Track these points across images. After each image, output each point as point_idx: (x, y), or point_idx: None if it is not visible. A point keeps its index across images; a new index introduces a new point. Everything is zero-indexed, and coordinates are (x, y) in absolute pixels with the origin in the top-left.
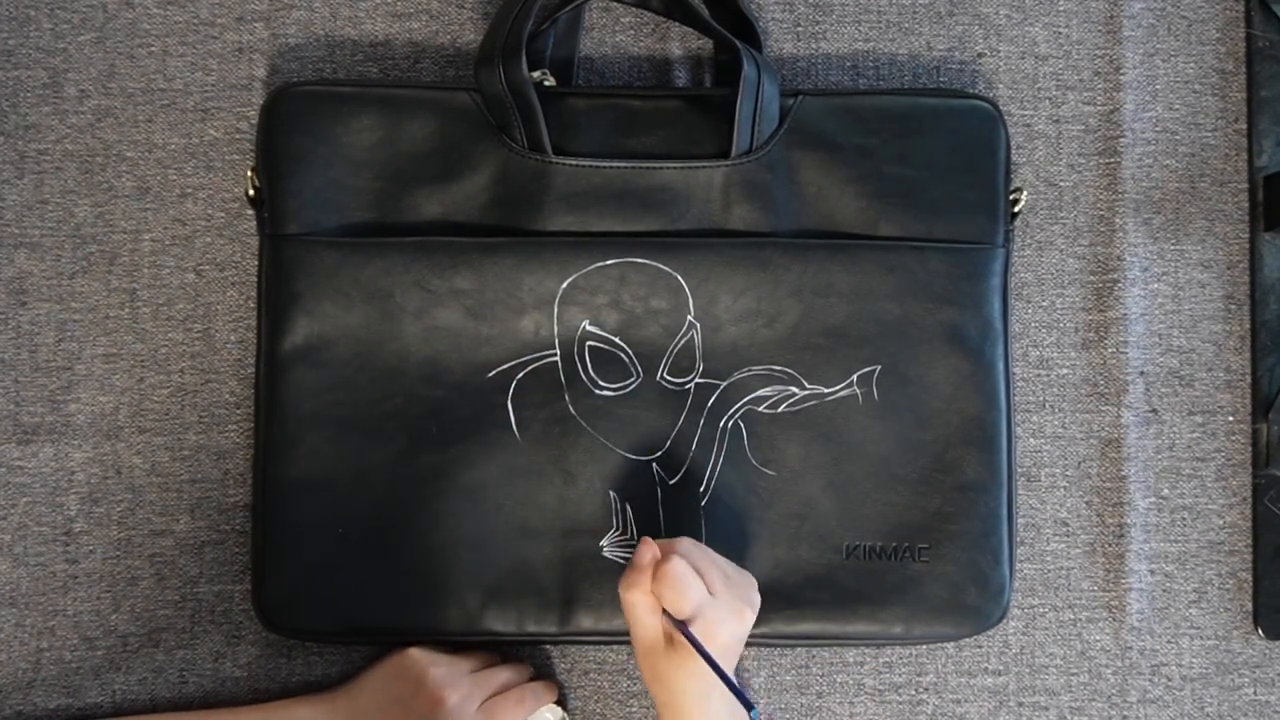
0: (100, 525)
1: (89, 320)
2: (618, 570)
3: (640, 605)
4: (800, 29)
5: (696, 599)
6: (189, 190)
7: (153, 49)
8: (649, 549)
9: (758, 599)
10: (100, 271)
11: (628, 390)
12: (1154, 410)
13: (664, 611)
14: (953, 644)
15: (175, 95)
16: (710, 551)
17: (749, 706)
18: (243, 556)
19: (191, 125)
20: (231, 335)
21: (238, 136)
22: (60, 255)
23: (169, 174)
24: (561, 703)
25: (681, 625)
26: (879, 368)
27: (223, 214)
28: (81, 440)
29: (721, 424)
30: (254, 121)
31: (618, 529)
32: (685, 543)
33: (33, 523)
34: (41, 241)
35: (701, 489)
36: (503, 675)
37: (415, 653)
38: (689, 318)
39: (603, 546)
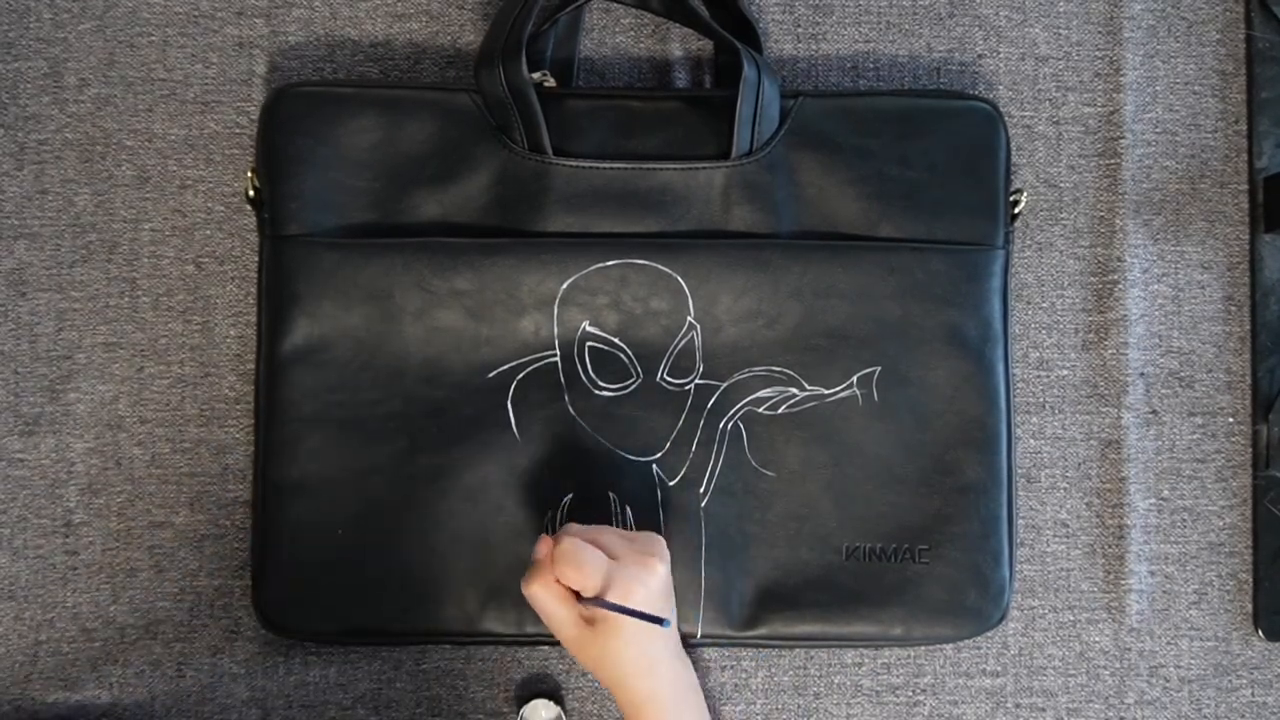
0: (100, 516)
1: (89, 309)
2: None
3: (545, 597)
4: (800, 30)
5: (598, 567)
6: (189, 182)
7: (153, 38)
8: (544, 543)
9: (664, 550)
10: (100, 260)
11: (627, 391)
12: (1154, 411)
13: (576, 596)
14: (951, 645)
15: (175, 86)
16: (603, 526)
17: (659, 620)
18: (242, 552)
19: (191, 117)
20: (231, 330)
21: (237, 131)
22: (60, 244)
23: (169, 164)
24: (559, 702)
25: (594, 600)
26: (879, 369)
27: (222, 208)
28: (83, 430)
29: (721, 425)
30: (254, 117)
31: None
32: (572, 526)
33: (32, 515)
34: (41, 231)
35: (701, 490)
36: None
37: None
38: (689, 318)
39: None
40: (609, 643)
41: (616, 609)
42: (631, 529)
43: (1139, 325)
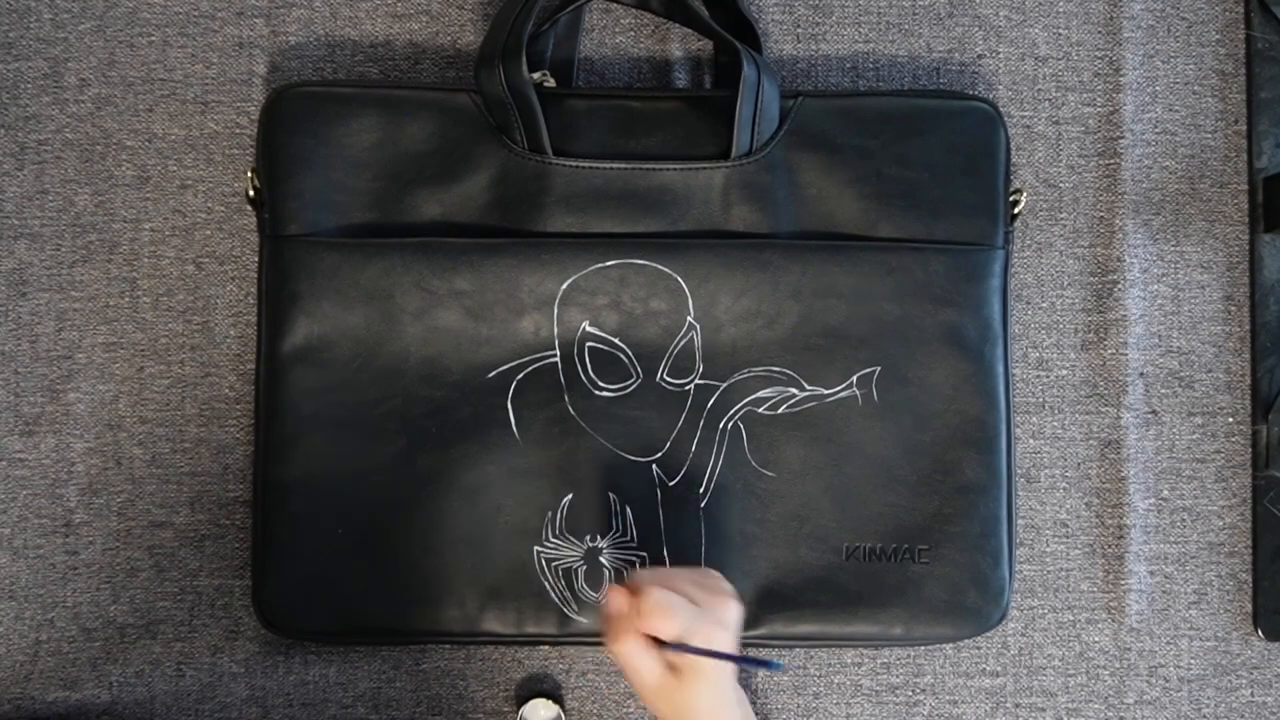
0: (100, 516)
1: (89, 309)
2: (618, 571)
3: (634, 651)
4: (800, 30)
5: (686, 615)
6: (189, 182)
7: (153, 38)
8: (617, 595)
9: (730, 587)
10: (100, 260)
11: (627, 391)
12: (1154, 411)
13: (658, 643)
14: (951, 645)
15: (175, 86)
16: (668, 568)
17: (775, 666)
18: (242, 552)
19: (191, 117)
20: (231, 330)
21: (237, 131)
22: (60, 244)
23: (169, 164)
24: (559, 701)
25: (684, 646)
26: (878, 369)
27: (222, 208)
28: (83, 430)
29: (721, 425)
30: (254, 117)
31: (617, 531)
32: (643, 571)
33: (32, 515)
34: (41, 231)
35: (701, 490)
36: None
37: None
38: (689, 319)
39: (602, 548)
40: (695, 687)
41: (728, 656)
42: (632, 530)
43: (1139, 325)
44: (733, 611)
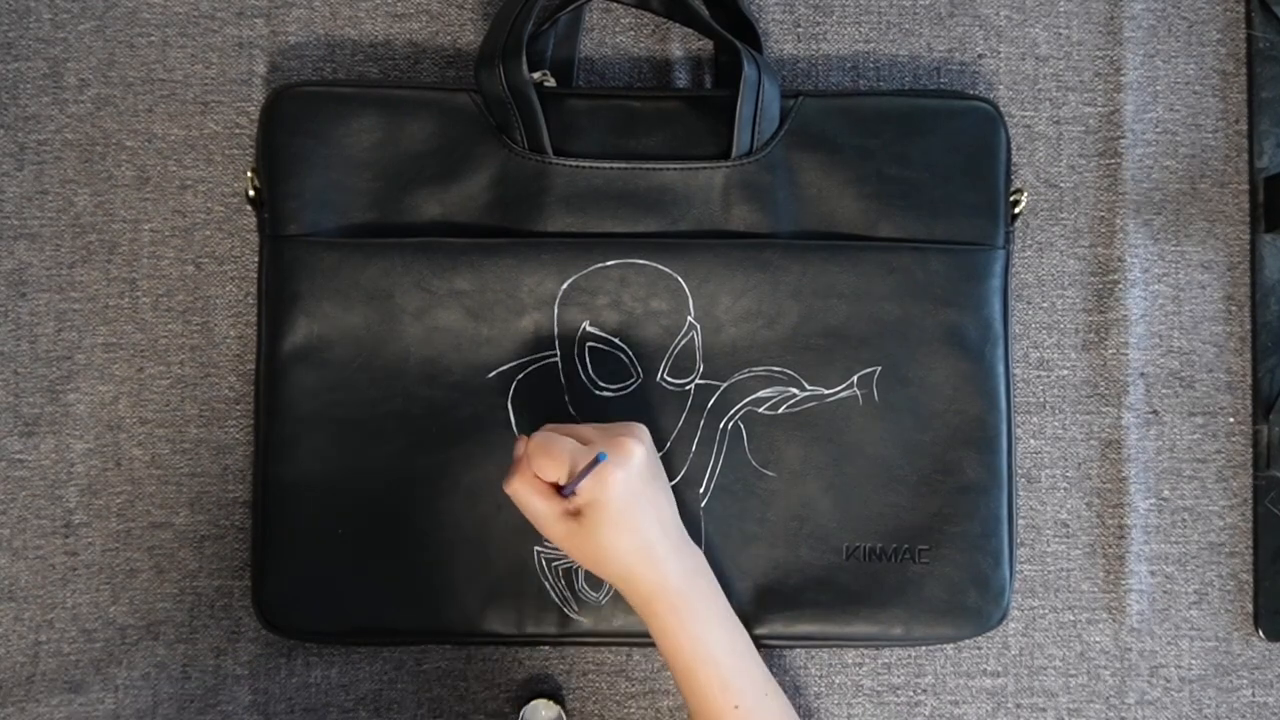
0: (100, 517)
1: (89, 310)
2: None
3: (526, 492)
4: (801, 30)
5: (568, 454)
6: (189, 182)
7: (152, 39)
8: (521, 442)
9: (642, 432)
10: (100, 261)
11: (627, 391)
12: (1154, 411)
13: (556, 489)
14: (952, 645)
15: (175, 86)
16: (582, 424)
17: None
18: (242, 552)
19: (191, 117)
20: (231, 330)
21: (237, 131)
22: (60, 245)
23: (169, 165)
24: (559, 702)
25: (565, 486)
26: (879, 369)
27: (222, 208)
28: (83, 431)
29: (721, 425)
30: (253, 117)
31: None
32: (548, 425)
33: (32, 515)
34: (41, 232)
35: (701, 490)
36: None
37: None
38: (689, 318)
39: None
40: (599, 531)
41: (580, 476)
42: None
43: (1139, 325)
44: (629, 453)
